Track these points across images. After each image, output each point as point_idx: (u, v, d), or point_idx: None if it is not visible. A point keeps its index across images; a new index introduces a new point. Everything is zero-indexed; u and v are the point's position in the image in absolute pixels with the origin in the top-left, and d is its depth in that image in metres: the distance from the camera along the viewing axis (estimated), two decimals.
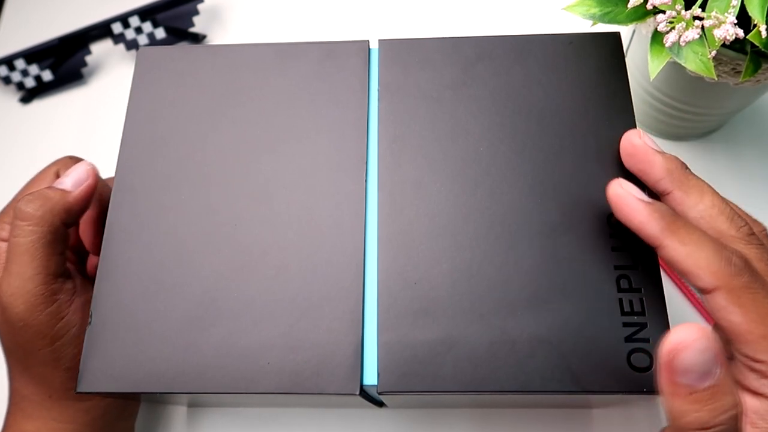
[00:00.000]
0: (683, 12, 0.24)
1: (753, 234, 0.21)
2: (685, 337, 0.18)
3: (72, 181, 0.27)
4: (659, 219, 0.20)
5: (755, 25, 0.24)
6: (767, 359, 0.19)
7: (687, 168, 0.22)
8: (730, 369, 0.20)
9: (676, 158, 0.22)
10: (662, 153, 0.22)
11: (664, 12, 0.25)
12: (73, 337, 0.27)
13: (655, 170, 0.22)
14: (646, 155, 0.22)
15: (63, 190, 0.27)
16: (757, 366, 0.19)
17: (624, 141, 0.23)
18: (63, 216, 0.26)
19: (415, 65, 0.28)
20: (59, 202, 0.26)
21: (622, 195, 0.21)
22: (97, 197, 0.30)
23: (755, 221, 0.23)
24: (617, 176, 0.25)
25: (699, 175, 0.23)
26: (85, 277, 0.30)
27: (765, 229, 0.23)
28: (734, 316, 0.19)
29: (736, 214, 0.22)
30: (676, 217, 0.20)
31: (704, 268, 0.19)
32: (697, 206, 0.22)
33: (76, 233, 0.31)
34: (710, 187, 0.22)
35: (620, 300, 0.23)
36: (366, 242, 0.25)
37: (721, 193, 0.22)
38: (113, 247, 0.26)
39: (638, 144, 0.23)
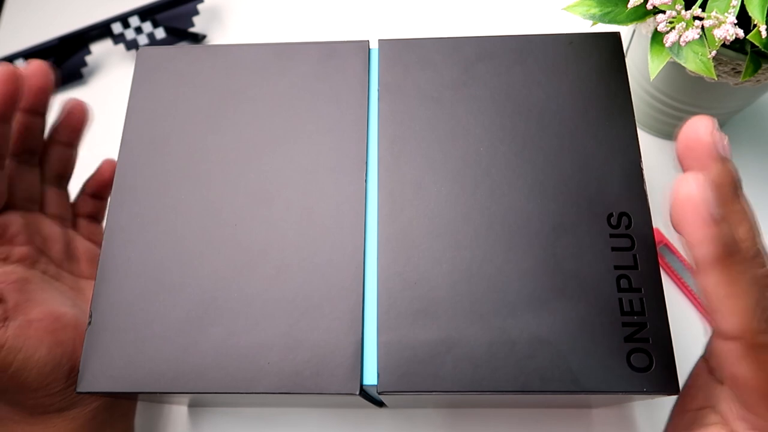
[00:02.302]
0: (683, 12, 0.24)
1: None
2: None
3: None
4: (720, 246, 0.17)
5: (755, 25, 0.24)
6: (762, 414, 0.19)
7: (739, 188, 0.19)
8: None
9: (734, 173, 0.19)
10: (723, 160, 0.19)
11: (664, 12, 0.25)
12: (25, 361, 0.25)
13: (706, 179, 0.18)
14: (706, 157, 0.19)
15: None
16: (749, 417, 0.19)
17: (689, 129, 0.19)
18: None
19: (415, 65, 0.28)
20: None
21: (694, 200, 0.17)
22: None
23: None
24: (617, 176, 0.25)
25: None
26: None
27: None
28: (745, 370, 0.18)
29: (763, 253, 0.19)
30: (737, 250, 0.18)
31: (737, 315, 0.18)
32: None
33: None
34: (752, 216, 0.19)
35: (620, 300, 0.23)
36: (366, 242, 0.25)
37: None
38: (113, 247, 0.26)
39: (704, 141, 0.18)
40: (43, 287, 0.28)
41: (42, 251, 0.30)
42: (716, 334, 0.19)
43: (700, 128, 0.19)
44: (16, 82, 0.27)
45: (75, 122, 0.32)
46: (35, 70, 0.29)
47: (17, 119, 0.30)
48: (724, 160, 0.19)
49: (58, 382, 0.26)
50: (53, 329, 0.27)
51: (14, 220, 0.29)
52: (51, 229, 0.31)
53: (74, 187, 0.35)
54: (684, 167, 0.19)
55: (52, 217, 0.32)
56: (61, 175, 0.33)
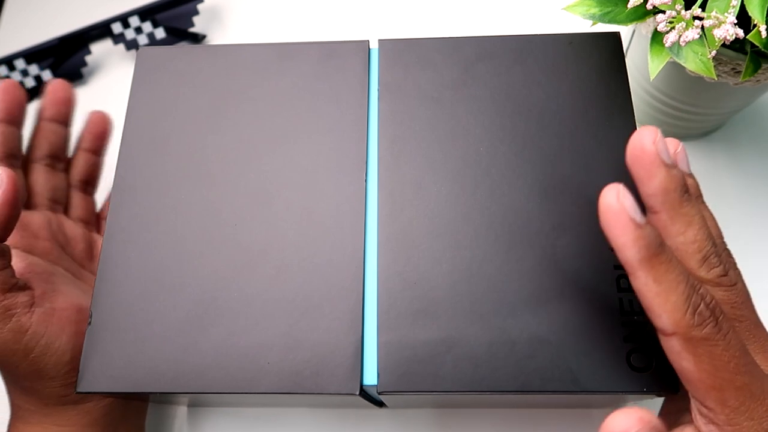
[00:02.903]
0: (683, 12, 0.24)
1: (725, 275, 0.21)
2: (626, 426, 0.17)
3: None
4: (643, 248, 0.18)
5: (755, 25, 0.24)
6: (714, 408, 0.19)
7: (687, 192, 0.20)
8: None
9: (680, 178, 0.20)
10: (669, 168, 0.20)
11: (664, 12, 0.25)
12: (46, 347, 0.26)
13: (653, 185, 0.20)
14: (651, 165, 0.20)
15: None
16: (704, 411, 0.20)
17: (635, 140, 0.20)
18: None
19: (415, 65, 0.28)
20: None
21: (614, 209, 0.18)
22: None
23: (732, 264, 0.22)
24: (617, 176, 0.25)
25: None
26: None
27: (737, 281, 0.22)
28: (687, 363, 0.19)
29: (714, 254, 0.21)
30: (661, 250, 0.19)
31: (669, 312, 0.18)
32: (677, 237, 0.20)
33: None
34: (702, 219, 0.20)
35: (620, 300, 0.23)
36: (366, 242, 0.25)
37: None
38: (113, 247, 0.26)
39: (648, 150, 0.20)
40: (66, 281, 0.29)
41: (65, 249, 0.31)
42: (658, 333, 0.19)
43: (645, 138, 0.20)
44: (17, 90, 0.31)
45: (99, 131, 0.35)
46: (57, 84, 0.33)
47: (43, 127, 0.33)
48: (669, 167, 0.20)
49: (75, 373, 0.27)
50: (75, 320, 0.27)
51: (37, 218, 0.31)
52: (74, 230, 0.33)
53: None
54: (633, 176, 0.20)
55: (76, 219, 0.34)
56: (87, 180, 0.35)
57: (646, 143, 0.20)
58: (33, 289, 0.27)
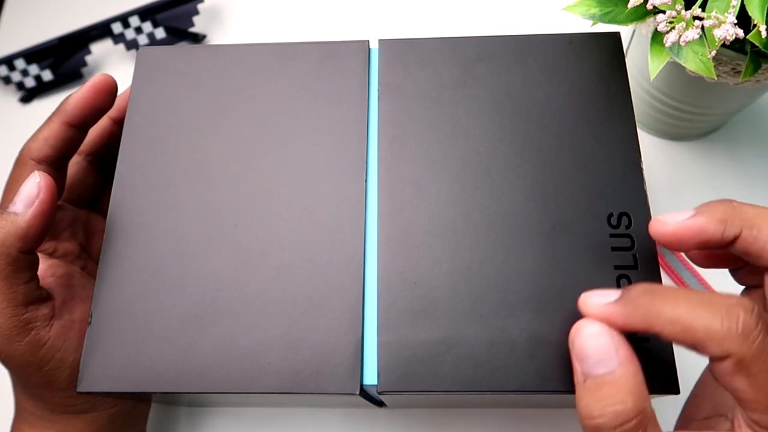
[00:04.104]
0: (683, 12, 0.24)
1: None
2: (581, 323, 0.20)
3: (23, 201, 0.24)
4: (635, 309, 0.19)
5: (755, 25, 0.24)
6: None
7: (734, 201, 0.20)
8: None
9: (720, 201, 0.20)
10: (702, 209, 0.20)
11: (664, 12, 0.25)
12: (61, 361, 0.26)
13: (710, 229, 0.20)
14: (688, 228, 0.20)
15: (13, 215, 0.24)
16: (763, 423, 0.19)
17: (656, 233, 0.21)
18: (18, 245, 0.24)
19: (415, 65, 0.28)
20: (10, 231, 0.24)
21: (592, 309, 0.20)
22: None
23: None
24: (617, 176, 0.25)
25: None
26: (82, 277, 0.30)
27: None
28: (740, 384, 0.18)
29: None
30: (653, 295, 0.19)
31: (712, 337, 0.18)
32: None
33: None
34: None
35: None
36: (366, 242, 0.25)
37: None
38: (113, 247, 0.26)
39: (671, 228, 0.20)
40: (83, 283, 0.29)
41: (84, 248, 0.31)
42: (712, 361, 0.19)
43: (659, 226, 0.21)
44: (109, 94, 0.29)
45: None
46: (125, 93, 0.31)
47: (102, 124, 0.31)
48: (700, 209, 0.20)
49: None
50: None
51: (66, 216, 0.30)
52: (98, 225, 0.32)
53: None
54: (693, 246, 0.21)
55: (102, 212, 0.32)
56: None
57: (664, 227, 0.21)
58: (54, 298, 0.26)
